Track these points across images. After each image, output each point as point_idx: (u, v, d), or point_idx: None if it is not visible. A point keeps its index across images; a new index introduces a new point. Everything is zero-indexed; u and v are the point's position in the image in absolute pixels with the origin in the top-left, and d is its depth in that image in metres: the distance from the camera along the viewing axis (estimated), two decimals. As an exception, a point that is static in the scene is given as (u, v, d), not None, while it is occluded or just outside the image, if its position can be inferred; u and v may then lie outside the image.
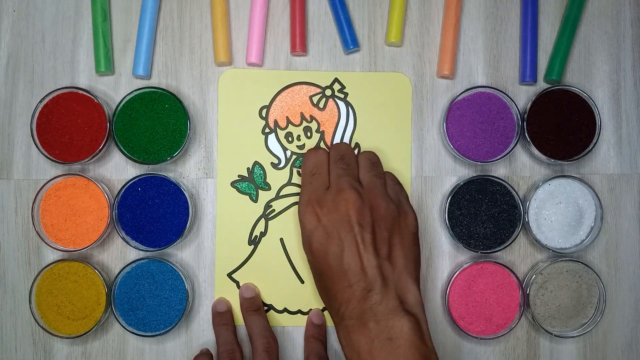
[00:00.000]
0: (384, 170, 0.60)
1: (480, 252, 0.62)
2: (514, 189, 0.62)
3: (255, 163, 0.64)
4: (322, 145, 0.64)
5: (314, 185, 0.57)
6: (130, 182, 0.61)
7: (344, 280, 0.53)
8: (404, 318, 0.51)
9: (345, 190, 0.55)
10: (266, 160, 0.64)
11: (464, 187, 0.62)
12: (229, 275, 0.63)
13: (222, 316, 0.62)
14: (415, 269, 0.55)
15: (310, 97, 0.65)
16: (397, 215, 0.56)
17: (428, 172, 0.65)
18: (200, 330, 0.63)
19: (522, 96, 0.65)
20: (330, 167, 0.58)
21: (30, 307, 0.60)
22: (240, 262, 0.63)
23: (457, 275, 0.62)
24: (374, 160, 0.60)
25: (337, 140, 0.64)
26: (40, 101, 0.61)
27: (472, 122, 0.63)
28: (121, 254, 0.63)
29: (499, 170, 0.65)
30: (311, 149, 0.61)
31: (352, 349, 0.51)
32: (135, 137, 0.61)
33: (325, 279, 0.54)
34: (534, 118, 0.62)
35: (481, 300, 0.62)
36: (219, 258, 0.63)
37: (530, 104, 0.62)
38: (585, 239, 0.63)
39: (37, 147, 0.61)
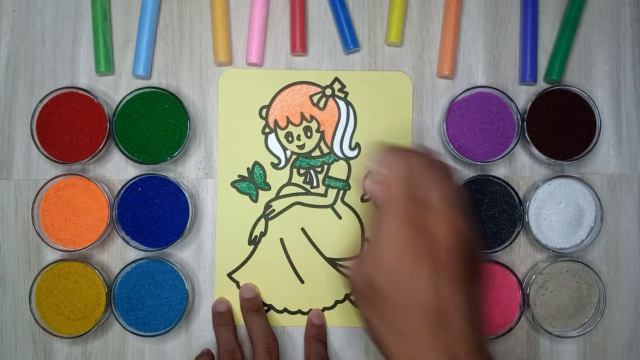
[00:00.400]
0: None
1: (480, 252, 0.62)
2: (513, 189, 0.62)
3: (255, 163, 0.64)
4: (322, 145, 0.64)
5: None
6: (130, 182, 0.61)
7: None
8: None
9: None
10: (266, 160, 0.64)
11: (464, 187, 0.62)
12: (229, 275, 0.63)
13: (222, 316, 0.62)
14: None
15: (310, 97, 0.65)
16: None
17: (428, 172, 0.65)
18: (200, 330, 0.63)
19: (522, 96, 0.65)
20: None
21: (30, 307, 0.60)
22: (240, 262, 0.63)
23: (457, 275, 0.62)
24: None
25: (337, 139, 0.64)
26: (40, 101, 0.61)
27: (472, 122, 0.63)
28: (121, 254, 0.63)
29: (499, 170, 0.65)
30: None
31: None
32: (135, 137, 0.61)
33: None
34: (534, 118, 0.62)
35: (481, 300, 0.62)
36: (219, 258, 0.63)
37: (530, 104, 0.62)
38: (585, 239, 0.63)
39: (37, 147, 0.61)
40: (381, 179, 0.48)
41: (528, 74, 0.64)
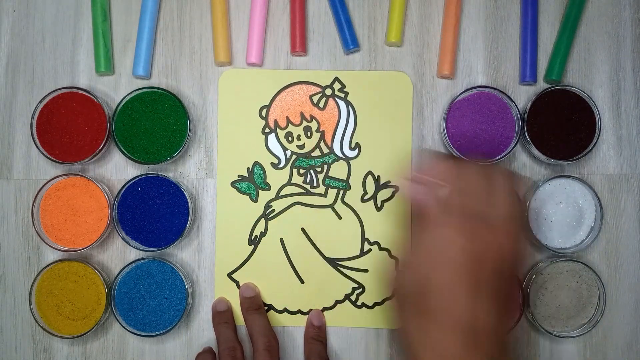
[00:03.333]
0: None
1: (480, 252, 0.62)
2: (514, 189, 0.62)
3: (255, 163, 0.64)
4: (322, 145, 0.64)
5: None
6: (130, 182, 0.61)
7: None
8: None
9: None
10: (266, 160, 0.64)
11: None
12: (229, 275, 0.63)
13: (222, 315, 0.62)
14: None
15: (310, 97, 0.65)
16: None
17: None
18: (200, 330, 0.63)
19: (522, 96, 0.65)
20: None
21: (30, 307, 0.60)
22: (240, 262, 0.63)
23: (457, 275, 0.62)
24: None
25: (337, 139, 0.64)
26: (40, 101, 0.61)
27: (472, 122, 0.63)
28: (121, 254, 0.63)
29: (499, 170, 0.65)
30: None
31: None
32: (135, 137, 0.61)
33: None
34: (534, 118, 0.62)
35: (481, 300, 0.62)
36: (219, 258, 0.63)
37: (530, 104, 0.62)
38: (585, 239, 0.63)
39: (37, 147, 0.61)
40: (434, 188, 0.48)
41: (528, 74, 0.64)
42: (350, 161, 0.64)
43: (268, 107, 0.64)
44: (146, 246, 0.61)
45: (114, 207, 0.61)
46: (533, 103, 0.62)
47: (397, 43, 0.65)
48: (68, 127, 0.61)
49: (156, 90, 0.62)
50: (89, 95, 0.61)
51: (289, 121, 0.64)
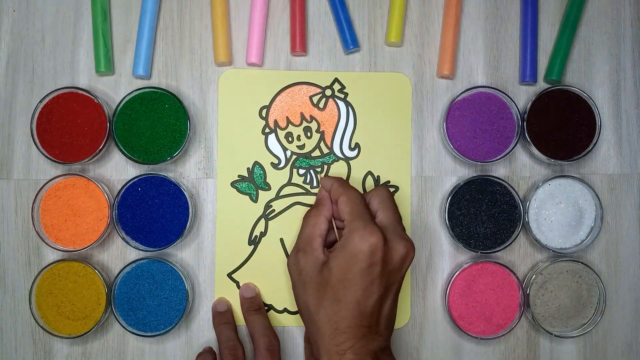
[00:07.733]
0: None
1: (480, 252, 0.62)
2: (514, 189, 0.62)
3: (255, 163, 0.64)
4: (321, 145, 0.64)
5: None
6: (130, 182, 0.61)
7: None
8: None
9: None
10: (266, 160, 0.64)
11: (464, 187, 0.62)
12: (229, 275, 0.63)
13: (222, 315, 0.62)
14: None
15: (310, 97, 0.65)
16: None
17: (428, 172, 0.65)
18: (200, 330, 0.63)
19: (522, 96, 0.65)
20: None
21: (30, 307, 0.60)
22: (240, 262, 0.63)
23: (457, 275, 0.62)
24: None
25: (337, 140, 0.64)
26: (40, 101, 0.61)
27: (472, 122, 0.63)
28: (121, 254, 0.63)
29: (499, 170, 0.65)
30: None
31: None
32: (135, 137, 0.61)
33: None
34: (534, 118, 0.62)
35: (481, 300, 0.62)
36: (219, 258, 0.63)
37: (530, 104, 0.62)
38: (585, 239, 0.63)
39: (37, 147, 0.61)
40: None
41: (528, 74, 0.64)
42: (350, 161, 0.64)
43: (268, 107, 0.64)
44: (146, 246, 0.61)
45: (114, 207, 0.61)
46: (533, 103, 0.62)
47: (397, 43, 0.65)
48: (68, 127, 0.61)
49: (156, 90, 0.62)
50: (89, 95, 0.61)
51: (289, 121, 0.64)
